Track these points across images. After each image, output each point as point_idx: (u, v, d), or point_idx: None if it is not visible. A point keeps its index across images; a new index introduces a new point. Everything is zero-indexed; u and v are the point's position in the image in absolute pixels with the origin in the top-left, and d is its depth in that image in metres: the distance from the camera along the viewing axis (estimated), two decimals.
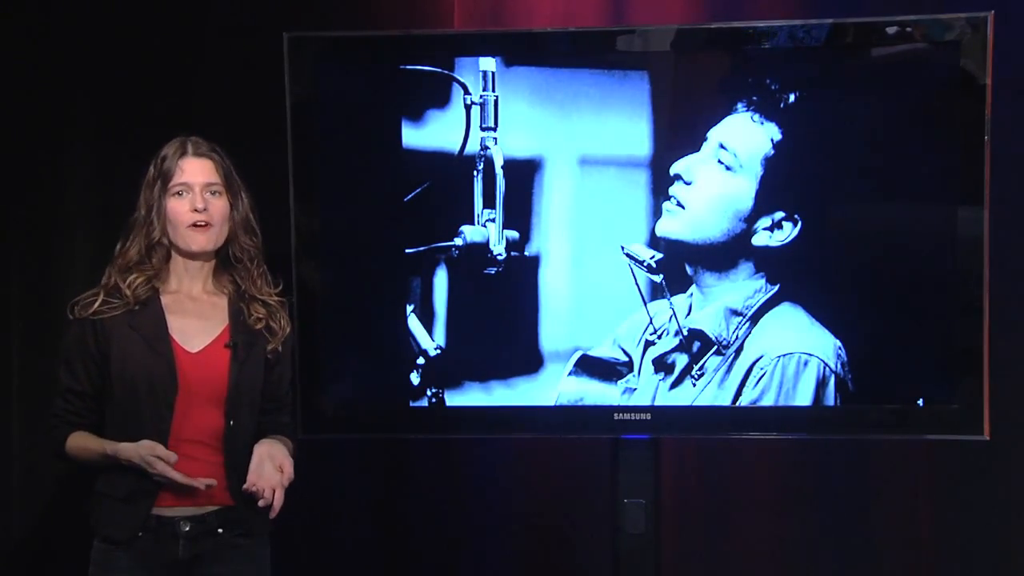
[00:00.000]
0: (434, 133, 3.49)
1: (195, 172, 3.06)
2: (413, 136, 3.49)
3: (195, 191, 3.04)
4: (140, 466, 2.94)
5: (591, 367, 3.50)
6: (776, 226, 3.41)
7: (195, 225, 3.04)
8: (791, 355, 3.43)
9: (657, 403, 3.48)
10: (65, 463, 3.08)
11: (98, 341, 3.03)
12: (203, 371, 3.02)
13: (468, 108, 3.46)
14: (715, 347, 3.45)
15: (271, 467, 2.99)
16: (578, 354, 3.50)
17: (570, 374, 3.51)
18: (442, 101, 3.48)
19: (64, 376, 3.07)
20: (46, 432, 3.10)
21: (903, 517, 3.94)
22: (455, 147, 3.48)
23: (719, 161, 3.42)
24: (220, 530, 3.03)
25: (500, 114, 3.46)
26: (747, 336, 3.45)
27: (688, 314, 3.46)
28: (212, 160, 3.08)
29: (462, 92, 3.46)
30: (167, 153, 3.07)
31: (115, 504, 3.01)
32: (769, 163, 3.40)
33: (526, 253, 3.49)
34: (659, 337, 3.48)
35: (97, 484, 3.05)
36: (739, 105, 3.41)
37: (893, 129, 3.39)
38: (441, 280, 3.52)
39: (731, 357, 3.45)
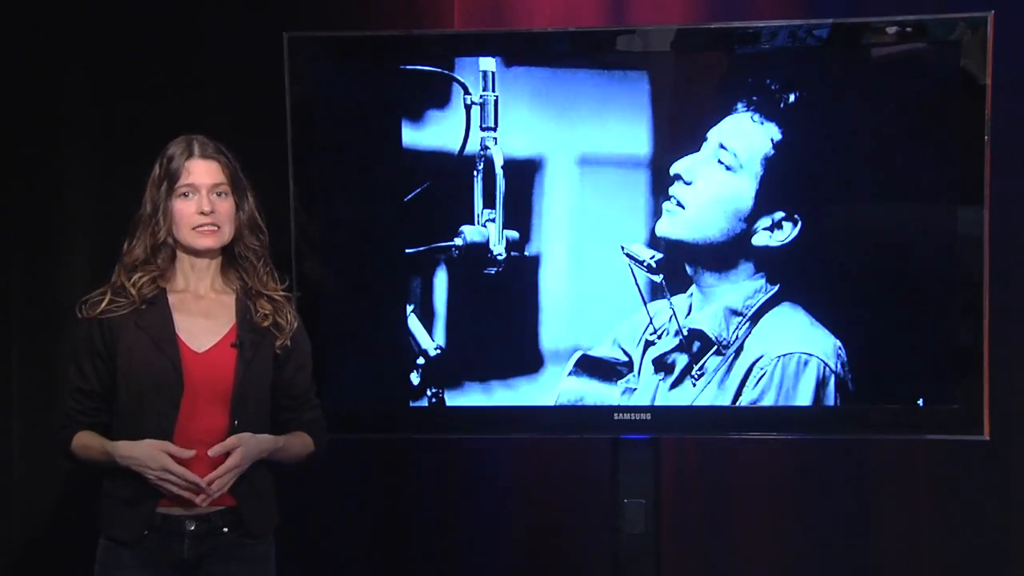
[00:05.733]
0: (434, 133, 3.49)
1: (201, 174, 3.05)
2: (413, 136, 3.49)
3: (201, 193, 3.04)
4: (139, 466, 2.93)
5: (591, 367, 3.50)
6: (776, 226, 3.42)
7: (201, 227, 3.04)
8: (791, 355, 3.44)
9: (657, 403, 3.48)
10: (72, 463, 3.08)
11: (105, 340, 3.03)
12: (209, 371, 3.02)
13: (468, 108, 3.46)
14: (715, 347, 3.45)
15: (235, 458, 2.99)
16: (578, 354, 3.51)
17: (570, 374, 3.51)
18: (442, 101, 3.48)
19: (73, 375, 3.07)
20: (55, 431, 3.10)
21: (903, 517, 3.94)
22: (455, 147, 3.48)
23: (719, 161, 3.42)
24: (225, 530, 3.03)
25: (500, 114, 3.46)
26: (747, 336, 3.45)
27: (688, 314, 3.46)
28: (218, 162, 3.08)
29: (462, 92, 3.46)
30: (174, 153, 3.06)
31: (121, 505, 3.00)
32: (769, 163, 3.40)
33: (526, 253, 3.49)
34: (659, 337, 3.48)
35: (103, 484, 3.05)
36: (739, 105, 3.41)
37: (893, 129, 3.39)
38: (441, 280, 3.52)
39: (731, 357, 3.45)
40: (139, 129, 3.84)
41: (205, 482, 2.94)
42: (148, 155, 3.10)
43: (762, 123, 3.40)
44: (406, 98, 3.49)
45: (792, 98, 3.40)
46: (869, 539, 3.95)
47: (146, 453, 2.94)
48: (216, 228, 3.04)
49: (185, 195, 3.04)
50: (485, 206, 3.48)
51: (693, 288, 3.46)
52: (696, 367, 3.46)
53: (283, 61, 3.48)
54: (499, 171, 3.47)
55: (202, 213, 3.03)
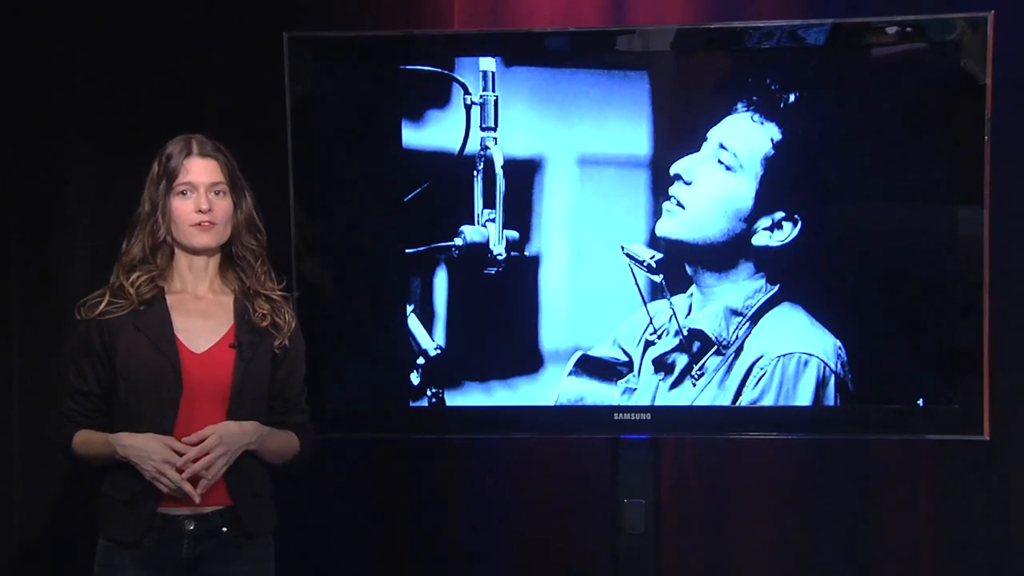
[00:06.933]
0: (434, 133, 3.49)
1: (200, 172, 3.05)
2: (413, 136, 3.49)
3: (199, 191, 3.04)
4: (138, 456, 2.93)
5: (591, 367, 3.50)
6: (776, 226, 3.42)
7: (199, 224, 3.04)
8: (791, 355, 3.44)
9: (657, 403, 3.48)
10: (72, 463, 3.08)
11: (104, 342, 3.03)
12: (207, 371, 3.02)
13: (468, 108, 3.46)
14: (715, 347, 3.45)
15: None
16: (578, 354, 3.50)
17: (570, 374, 3.51)
18: (442, 101, 3.48)
19: (72, 376, 3.08)
20: (55, 431, 3.10)
21: (903, 517, 3.94)
22: (455, 147, 3.48)
23: (719, 161, 3.42)
24: (224, 529, 3.03)
25: (500, 114, 3.46)
26: (747, 336, 3.45)
27: (688, 314, 3.46)
28: (217, 160, 3.08)
29: (462, 92, 3.46)
30: (172, 151, 3.07)
31: (120, 505, 3.00)
32: (769, 163, 3.40)
33: (526, 253, 3.49)
34: (659, 337, 3.48)
35: (103, 485, 3.05)
36: (739, 105, 3.41)
37: (893, 129, 3.39)
38: (441, 280, 3.52)
39: (731, 357, 3.45)
40: (139, 129, 3.84)
41: (188, 472, 2.94)
42: (148, 155, 3.10)
43: (762, 123, 3.40)
44: (406, 98, 3.49)
45: (792, 98, 3.40)
46: (869, 539, 3.95)
47: (150, 444, 2.94)
48: (213, 226, 3.04)
49: (183, 193, 3.04)
50: (485, 206, 3.48)
51: (693, 288, 3.46)
52: (696, 367, 3.46)
53: (283, 61, 3.48)
54: (499, 171, 3.47)
55: (200, 211, 3.03)
